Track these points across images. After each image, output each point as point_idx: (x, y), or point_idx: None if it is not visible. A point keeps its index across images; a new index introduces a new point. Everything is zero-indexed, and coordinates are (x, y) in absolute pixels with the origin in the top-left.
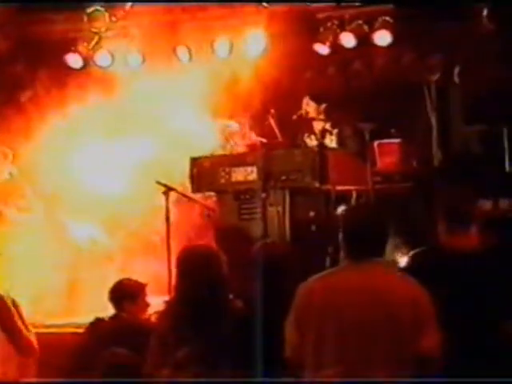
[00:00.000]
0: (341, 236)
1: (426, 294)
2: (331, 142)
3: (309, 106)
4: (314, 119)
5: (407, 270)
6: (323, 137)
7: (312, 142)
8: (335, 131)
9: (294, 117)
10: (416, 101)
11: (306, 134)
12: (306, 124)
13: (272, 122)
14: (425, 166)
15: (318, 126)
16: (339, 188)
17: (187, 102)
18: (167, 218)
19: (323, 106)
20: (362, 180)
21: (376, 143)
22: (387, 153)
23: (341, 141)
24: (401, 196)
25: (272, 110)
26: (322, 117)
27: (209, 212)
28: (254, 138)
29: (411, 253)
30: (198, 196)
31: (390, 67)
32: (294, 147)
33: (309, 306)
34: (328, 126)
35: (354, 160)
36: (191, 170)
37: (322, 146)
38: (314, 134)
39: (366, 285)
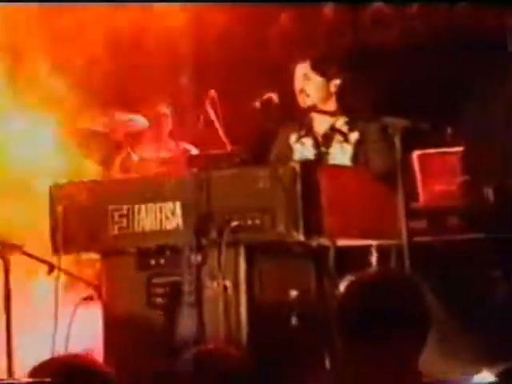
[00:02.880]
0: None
1: None
2: (344, 153)
3: (308, 82)
4: (312, 110)
5: None
6: (328, 143)
7: (305, 151)
8: (354, 134)
9: (257, 104)
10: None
11: (295, 137)
12: (296, 117)
13: (212, 114)
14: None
15: (321, 123)
16: (344, 243)
17: None
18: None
19: (336, 83)
20: (390, 226)
21: (417, 154)
22: (438, 173)
23: (359, 151)
24: (464, 259)
25: (212, 92)
26: (331, 105)
27: (89, 294)
28: (180, 145)
29: None
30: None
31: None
32: (257, 164)
33: None
34: (341, 123)
35: (375, 187)
36: (51, 209)
37: (317, 160)
38: (314, 136)
39: None
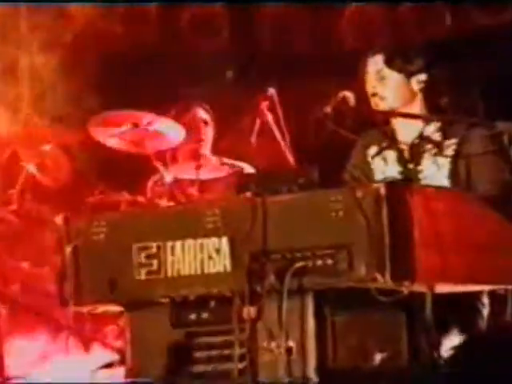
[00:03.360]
0: None
1: None
2: (439, 170)
3: (382, 83)
4: (394, 114)
5: None
6: (417, 157)
7: (388, 168)
8: (451, 145)
9: (328, 108)
10: None
11: (375, 150)
12: (376, 124)
13: (271, 120)
14: None
15: (406, 131)
16: (444, 289)
17: None
18: None
19: (420, 78)
20: (506, 266)
21: None
22: None
23: (459, 167)
24: None
25: (271, 91)
26: (415, 108)
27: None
28: (226, 163)
29: None
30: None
31: None
32: (329, 186)
33: None
34: (432, 130)
35: (485, 215)
36: (58, 248)
37: (407, 180)
38: (398, 149)
39: None
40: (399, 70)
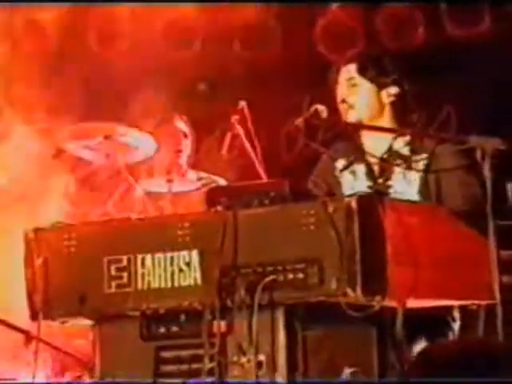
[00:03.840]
0: None
1: None
2: (409, 185)
3: (353, 90)
4: (362, 126)
5: None
6: (386, 172)
7: (357, 183)
8: (421, 160)
9: (299, 121)
10: None
11: (342, 163)
12: (344, 137)
13: (242, 133)
14: None
15: (375, 144)
16: (416, 304)
17: None
18: None
19: (391, 91)
20: (477, 282)
21: None
22: None
23: (429, 182)
24: None
25: (242, 104)
26: (383, 121)
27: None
28: (198, 175)
29: None
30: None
31: None
32: (300, 200)
33: None
34: (401, 144)
35: (456, 231)
36: (28, 261)
37: (378, 194)
38: (367, 163)
39: None
40: (371, 80)
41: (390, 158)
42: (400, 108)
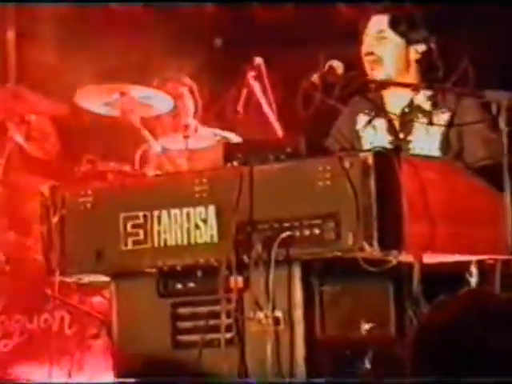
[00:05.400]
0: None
1: None
2: (430, 140)
3: (382, 42)
4: (386, 83)
5: None
6: (408, 126)
7: (378, 137)
8: (442, 115)
9: (315, 77)
10: None
11: (364, 118)
12: (366, 92)
13: (258, 90)
14: None
15: (397, 99)
16: (433, 259)
17: None
18: None
19: (419, 48)
20: (494, 237)
21: None
22: None
23: (451, 137)
24: None
25: (257, 60)
26: (409, 77)
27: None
28: (213, 132)
29: None
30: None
31: None
32: (316, 155)
33: None
34: (423, 99)
35: (474, 186)
36: (44, 218)
37: (396, 150)
38: (388, 118)
39: None
40: (401, 35)
41: (412, 112)
42: (426, 66)
